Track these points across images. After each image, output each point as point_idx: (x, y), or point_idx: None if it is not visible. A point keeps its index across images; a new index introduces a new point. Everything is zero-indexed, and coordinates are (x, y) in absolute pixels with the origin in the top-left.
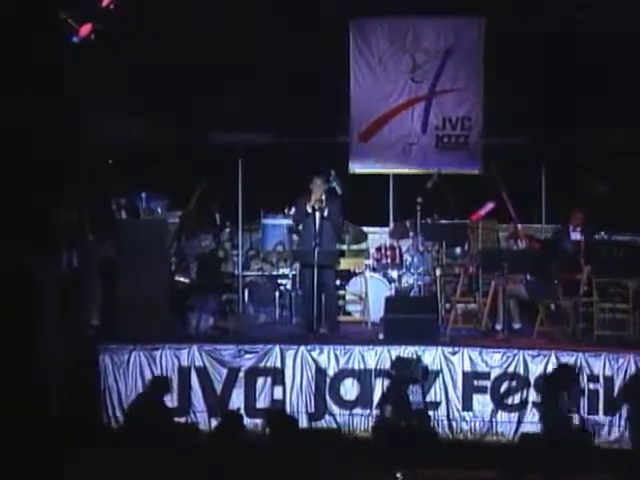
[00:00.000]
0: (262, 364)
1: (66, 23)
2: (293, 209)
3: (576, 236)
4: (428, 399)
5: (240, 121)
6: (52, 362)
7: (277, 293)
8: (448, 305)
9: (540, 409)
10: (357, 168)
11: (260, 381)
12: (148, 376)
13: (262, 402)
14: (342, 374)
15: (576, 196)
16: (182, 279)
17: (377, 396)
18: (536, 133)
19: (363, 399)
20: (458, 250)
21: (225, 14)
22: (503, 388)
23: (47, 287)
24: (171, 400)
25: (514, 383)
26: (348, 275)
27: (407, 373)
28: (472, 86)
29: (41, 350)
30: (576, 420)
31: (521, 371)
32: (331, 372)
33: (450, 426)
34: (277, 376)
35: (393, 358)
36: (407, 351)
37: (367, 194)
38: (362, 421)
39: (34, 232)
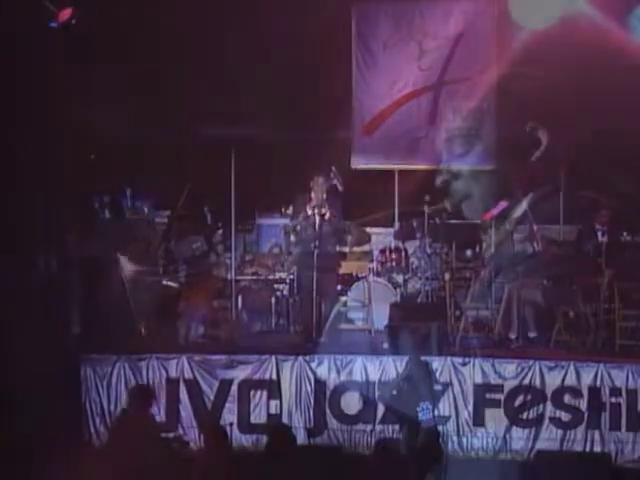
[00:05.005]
0: (257, 376)
1: (44, 7)
2: (291, 208)
3: (601, 236)
4: (436, 413)
5: (233, 114)
6: (29, 374)
7: (273, 299)
8: (458, 312)
9: None
10: (360, 164)
11: (255, 394)
12: None
13: (257, 417)
14: (343, 386)
15: (598, 195)
16: (171, 284)
17: (381, 411)
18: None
19: (366, 414)
20: (469, 252)
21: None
22: (517, 402)
23: (22, 292)
24: (158, 414)
25: (529, 396)
26: (350, 279)
27: (418, 390)
28: (484, 75)
29: (16, 361)
30: None
31: (537, 383)
32: (331, 384)
33: (460, 443)
34: (273, 389)
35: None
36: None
37: (370, 192)
38: (364, 437)
39: (6, 233)
